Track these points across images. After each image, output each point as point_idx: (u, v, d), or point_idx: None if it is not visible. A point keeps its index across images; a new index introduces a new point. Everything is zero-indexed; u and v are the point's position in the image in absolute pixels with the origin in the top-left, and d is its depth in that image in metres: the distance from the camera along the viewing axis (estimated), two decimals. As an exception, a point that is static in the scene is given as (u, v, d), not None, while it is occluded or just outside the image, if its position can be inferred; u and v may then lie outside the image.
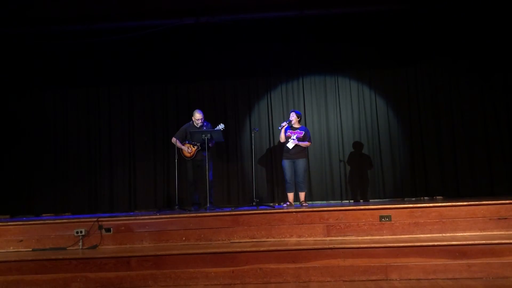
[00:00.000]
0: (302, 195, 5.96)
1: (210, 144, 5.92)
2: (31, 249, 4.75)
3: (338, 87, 7.25)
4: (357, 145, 7.10)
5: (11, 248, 4.80)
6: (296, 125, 6.05)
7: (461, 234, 4.50)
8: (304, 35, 7.20)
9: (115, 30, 6.92)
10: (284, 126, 6.00)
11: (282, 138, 6.01)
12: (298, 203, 6.14)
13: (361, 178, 7.03)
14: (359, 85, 7.24)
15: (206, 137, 5.80)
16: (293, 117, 6.03)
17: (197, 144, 5.98)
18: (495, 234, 4.41)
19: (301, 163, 5.90)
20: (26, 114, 7.35)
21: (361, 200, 6.95)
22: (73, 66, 7.37)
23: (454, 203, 4.67)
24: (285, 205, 5.93)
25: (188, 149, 6.03)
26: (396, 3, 6.68)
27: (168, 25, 6.90)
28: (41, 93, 7.44)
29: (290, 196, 5.99)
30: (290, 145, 5.88)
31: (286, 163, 5.95)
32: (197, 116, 6.07)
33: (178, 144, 6.09)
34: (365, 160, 7.07)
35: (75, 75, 7.40)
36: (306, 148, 6.02)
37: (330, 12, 6.85)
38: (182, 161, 6.17)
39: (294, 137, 5.89)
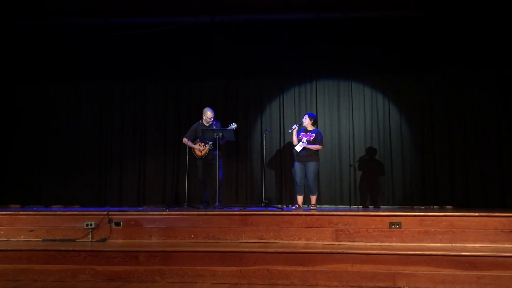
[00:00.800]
0: (313, 198, 5.94)
1: (221, 142, 5.93)
2: (41, 239, 4.79)
3: (351, 91, 7.24)
4: (368, 151, 7.07)
5: (22, 237, 4.84)
6: (309, 128, 6.03)
7: (472, 245, 4.44)
8: (319, 38, 7.19)
9: (131, 25, 6.97)
10: (294, 128, 5.99)
11: (294, 140, 6.00)
12: (307, 206, 6.13)
13: (370, 184, 7.01)
14: (373, 90, 7.21)
15: (217, 136, 5.80)
16: (305, 119, 6.01)
17: (209, 143, 5.99)
18: (506, 247, 4.34)
19: (311, 166, 5.86)
20: (39, 105, 7.45)
21: (371, 206, 6.91)
22: (88, 60, 7.44)
23: (465, 213, 4.62)
24: (294, 207, 5.92)
25: (200, 148, 6.05)
26: (412, 9, 6.65)
27: (184, 23, 6.94)
28: (55, 85, 7.52)
29: (299, 198, 5.98)
30: (298, 147, 5.87)
31: (297, 166, 5.94)
32: (209, 114, 6.08)
33: (190, 144, 6.11)
34: (375, 166, 7.04)
35: (90, 69, 7.47)
36: (317, 151, 5.98)
37: (346, 16, 6.85)
38: (193, 159, 6.19)
39: (304, 139, 5.88)
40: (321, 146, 5.97)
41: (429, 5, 6.56)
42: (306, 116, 6.05)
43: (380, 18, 6.88)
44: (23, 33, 7.04)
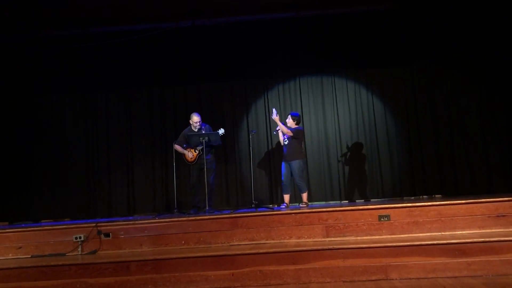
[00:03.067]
0: (304, 196, 5.89)
1: (214, 144, 5.93)
2: (30, 256, 4.74)
3: (335, 87, 7.26)
4: (355, 145, 7.11)
5: (10, 255, 4.79)
6: (293, 127, 6.03)
7: (460, 232, 4.49)
8: (300, 36, 7.21)
9: (111, 34, 6.96)
10: (278, 130, 5.99)
11: (281, 141, 6.01)
12: (299, 204, 6.14)
13: (359, 178, 7.03)
14: (356, 85, 7.24)
15: (203, 140, 5.79)
16: (288, 120, 6.03)
17: (198, 148, 5.97)
18: (494, 232, 4.41)
19: (294, 164, 5.82)
20: (23, 119, 7.34)
21: (361, 200, 6.94)
22: (70, 71, 7.36)
23: (452, 202, 4.67)
24: (282, 206, 5.91)
25: (189, 154, 6.02)
26: (392, 2, 6.71)
27: (165, 28, 6.93)
28: (38, 98, 7.43)
29: (286, 197, 5.97)
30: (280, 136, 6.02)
31: (283, 165, 5.95)
32: (195, 119, 6.06)
33: (180, 150, 6.08)
34: (363, 160, 7.07)
35: (73, 80, 7.40)
36: (300, 149, 5.92)
37: (326, 12, 6.89)
38: (185, 165, 6.15)
39: (285, 137, 5.92)
40: (290, 132, 5.84)
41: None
42: (289, 116, 6.06)
43: (360, 12, 6.91)
44: (9, 46, 6.96)
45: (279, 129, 5.98)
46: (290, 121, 6.01)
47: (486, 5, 6.64)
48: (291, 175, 5.90)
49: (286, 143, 5.91)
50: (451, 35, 6.95)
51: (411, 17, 6.93)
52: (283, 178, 5.94)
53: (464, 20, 6.85)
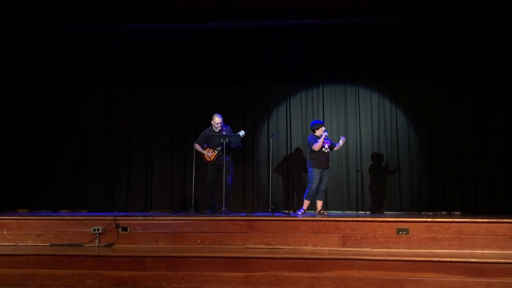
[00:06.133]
0: (320, 204, 5.94)
1: (234, 146, 5.94)
2: (48, 244, 4.83)
3: (358, 97, 7.21)
4: (375, 156, 7.04)
5: (30, 242, 4.88)
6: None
7: (480, 251, 4.41)
8: (326, 43, 7.21)
9: (139, 32, 7.06)
10: (325, 135, 5.96)
11: (319, 147, 5.88)
12: (313, 211, 6.12)
13: (378, 189, 6.96)
14: (380, 96, 7.18)
15: (224, 141, 5.82)
16: (324, 131, 6.01)
17: (217, 149, 6.00)
18: (515, 254, 4.31)
19: (328, 173, 5.95)
20: (48, 110, 7.47)
21: (378, 212, 6.87)
22: (96, 65, 7.48)
23: (473, 220, 4.59)
24: (315, 213, 5.89)
25: (209, 153, 6.06)
26: (420, 15, 6.65)
27: (192, 28, 7.01)
28: (64, 91, 7.55)
29: (319, 203, 6.01)
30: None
31: (318, 172, 5.88)
32: (217, 120, 6.10)
33: (199, 149, 6.13)
34: (382, 172, 7.00)
35: (98, 74, 7.51)
36: None
37: (353, 21, 6.88)
38: (201, 164, 6.19)
39: (326, 146, 5.93)
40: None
41: (437, 10, 6.55)
42: (323, 127, 6.04)
43: (387, 23, 6.88)
44: (38, 40, 7.14)
45: (325, 134, 5.95)
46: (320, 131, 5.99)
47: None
48: (320, 182, 5.89)
49: (327, 151, 5.90)
50: (479, 52, 6.85)
51: (440, 31, 6.86)
52: (316, 184, 5.86)
53: (492, 39, 6.75)
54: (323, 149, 5.90)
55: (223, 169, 5.87)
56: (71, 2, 6.48)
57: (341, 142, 6.01)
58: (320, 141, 5.88)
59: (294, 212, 6.37)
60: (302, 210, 5.92)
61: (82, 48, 7.30)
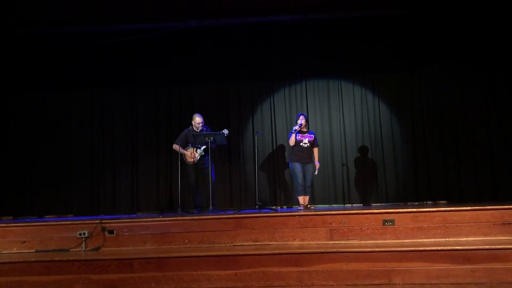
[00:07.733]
0: (307, 198, 5.96)
1: (213, 146, 5.93)
2: (34, 251, 4.74)
3: (341, 91, 7.27)
4: (360, 149, 7.10)
5: (15, 249, 4.79)
6: (305, 129, 6.02)
7: (465, 239, 4.47)
8: (307, 38, 7.23)
9: (120, 32, 6.97)
10: (296, 130, 5.93)
11: (292, 141, 5.92)
12: (297, 206, 6.15)
13: (363, 182, 7.03)
14: (362, 89, 7.24)
15: (209, 140, 5.80)
16: (303, 121, 5.93)
17: (200, 148, 5.98)
18: (499, 239, 4.38)
19: (310, 167, 5.94)
20: (29, 115, 7.38)
21: (364, 204, 6.93)
22: (77, 67, 7.39)
23: (457, 208, 4.65)
24: (300, 208, 5.89)
25: (192, 155, 6.04)
26: (399, 8, 6.71)
27: (173, 27, 6.96)
28: (45, 94, 7.46)
29: (303, 199, 5.98)
30: (316, 172, 6.00)
31: (298, 166, 5.90)
32: (197, 119, 6.07)
33: (181, 150, 6.10)
34: (368, 164, 7.06)
35: (80, 76, 7.43)
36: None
37: (334, 16, 6.90)
38: (185, 165, 6.16)
39: (306, 140, 5.90)
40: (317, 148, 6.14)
41: (416, 3, 6.62)
42: (303, 116, 5.97)
43: (368, 17, 6.93)
44: (14, 42, 7.00)
45: (296, 129, 5.90)
46: (304, 122, 5.97)
47: (493, 14, 6.64)
48: (304, 177, 5.90)
49: (306, 146, 5.91)
50: (458, 42, 6.95)
51: (419, 23, 6.94)
52: (300, 179, 5.88)
53: (470, 28, 6.84)
54: (302, 143, 5.90)
55: (204, 168, 5.85)
56: (50, 3, 6.37)
57: (316, 165, 6.00)
58: (293, 134, 5.87)
59: (281, 208, 6.39)
60: (301, 207, 5.91)
61: (63, 50, 7.19)
